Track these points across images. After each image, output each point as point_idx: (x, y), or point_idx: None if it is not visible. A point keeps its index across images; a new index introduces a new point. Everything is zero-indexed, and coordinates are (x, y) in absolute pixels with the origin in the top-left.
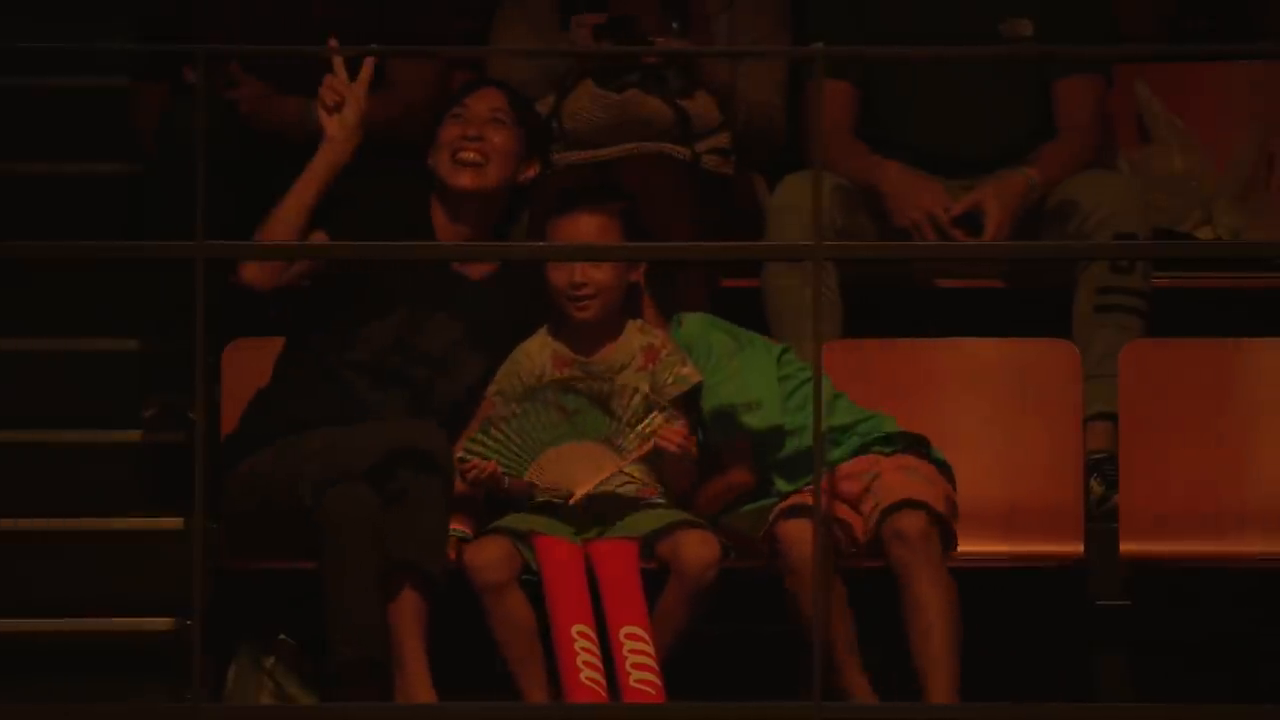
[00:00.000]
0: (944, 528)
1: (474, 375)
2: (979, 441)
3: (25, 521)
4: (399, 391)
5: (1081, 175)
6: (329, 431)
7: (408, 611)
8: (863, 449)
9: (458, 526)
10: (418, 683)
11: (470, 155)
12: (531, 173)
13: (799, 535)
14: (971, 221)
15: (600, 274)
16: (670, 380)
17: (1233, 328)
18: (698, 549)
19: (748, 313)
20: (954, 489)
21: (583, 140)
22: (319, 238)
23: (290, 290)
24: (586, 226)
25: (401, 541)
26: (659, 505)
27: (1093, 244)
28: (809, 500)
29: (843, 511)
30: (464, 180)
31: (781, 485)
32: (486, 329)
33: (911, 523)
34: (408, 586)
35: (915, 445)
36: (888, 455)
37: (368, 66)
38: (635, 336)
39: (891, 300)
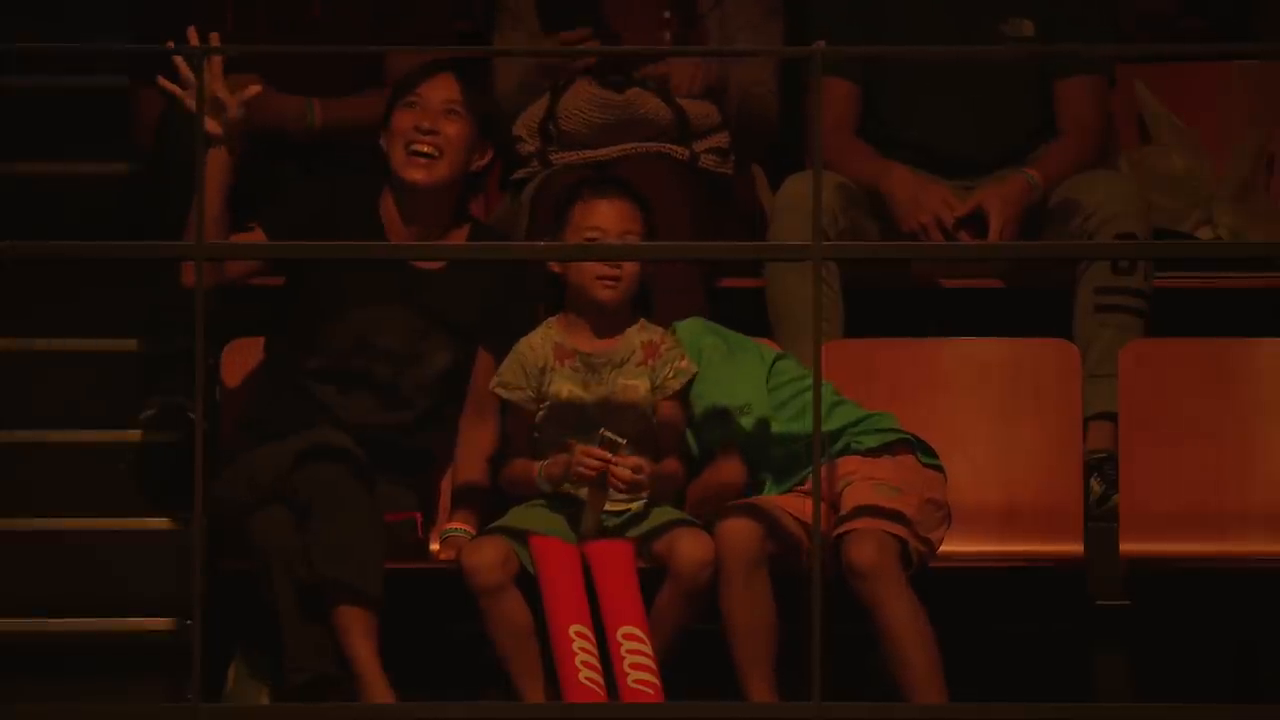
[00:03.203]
0: (904, 544)
1: (440, 364)
2: (979, 441)
3: (25, 521)
4: (365, 394)
5: (1084, 175)
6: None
7: (351, 622)
8: (845, 450)
9: (461, 526)
10: (375, 692)
11: (424, 148)
12: (485, 160)
13: (732, 533)
14: (975, 222)
15: (629, 262)
16: (670, 374)
17: (1233, 328)
18: (693, 548)
19: (747, 313)
20: (943, 493)
21: (582, 140)
22: (255, 234)
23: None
24: (619, 209)
25: (322, 559)
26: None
27: (1093, 244)
28: (754, 501)
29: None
30: (417, 175)
31: (771, 488)
32: (446, 316)
33: (860, 553)
34: (343, 600)
35: (904, 446)
36: (866, 457)
37: (215, 64)
38: (636, 333)
39: (891, 300)
